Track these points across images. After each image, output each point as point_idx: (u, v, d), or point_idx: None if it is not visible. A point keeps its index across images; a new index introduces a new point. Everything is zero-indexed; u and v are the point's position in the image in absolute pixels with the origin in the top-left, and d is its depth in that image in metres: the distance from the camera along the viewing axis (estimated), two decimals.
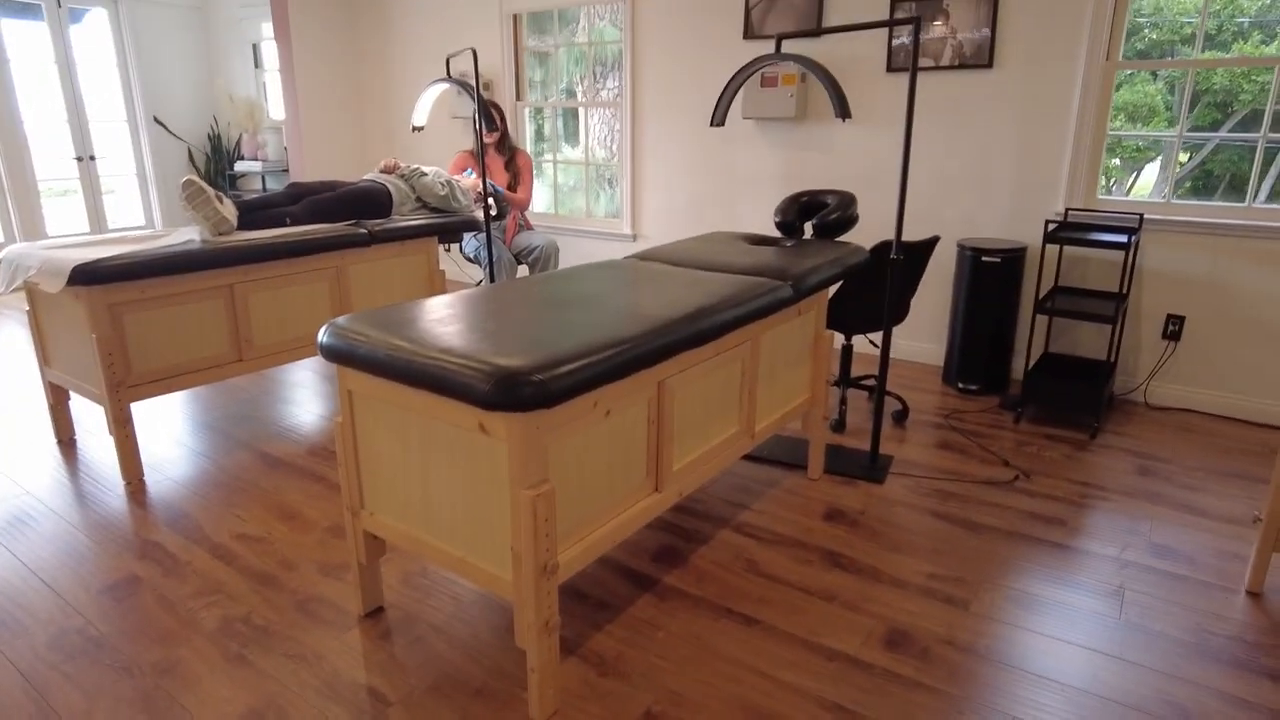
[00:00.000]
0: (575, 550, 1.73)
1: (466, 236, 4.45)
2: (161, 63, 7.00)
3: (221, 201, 3.11)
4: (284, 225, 3.32)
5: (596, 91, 5.47)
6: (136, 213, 7.21)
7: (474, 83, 3.82)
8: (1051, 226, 3.58)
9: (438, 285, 3.85)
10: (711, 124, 3.09)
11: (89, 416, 3.46)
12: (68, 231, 6.68)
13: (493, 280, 4.23)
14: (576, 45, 5.44)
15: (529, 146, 5.76)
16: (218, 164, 7.25)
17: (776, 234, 4.08)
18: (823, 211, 3.14)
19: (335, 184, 3.70)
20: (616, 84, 5.35)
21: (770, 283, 2.31)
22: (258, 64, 7.10)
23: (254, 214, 3.28)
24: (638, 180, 5.04)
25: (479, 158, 4.64)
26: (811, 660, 1.91)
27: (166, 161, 7.14)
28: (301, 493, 2.76)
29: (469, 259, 4.59)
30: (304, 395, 3.75)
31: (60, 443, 3.22)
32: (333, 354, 1.81)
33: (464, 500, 1.69)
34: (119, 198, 7.12)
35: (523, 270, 4.91)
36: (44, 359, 3.11)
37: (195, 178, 3.03)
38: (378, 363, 1.69)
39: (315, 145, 6.28)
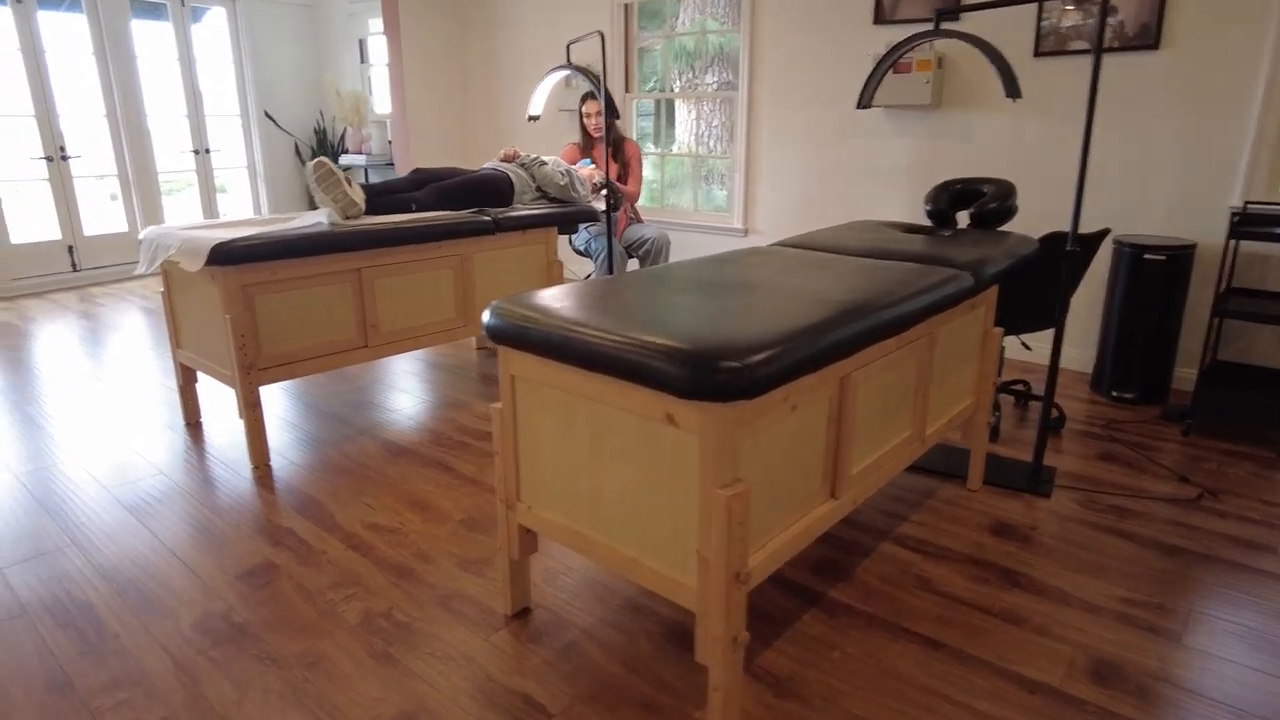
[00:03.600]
0: (759, 558, 1.56)
1: (578, 228, 4.35)
2: (273, 59, 7.16)
3: (350, 185, 3.06)
4: (409, 210, 3.26)
5: (695, 86, 5.32)
6: (246, 206, 7.38)
7: (588, 71, 3.70)
8: (1236, 219, 3.24)
9: (555, 276, 3.74)
10: (859, 105, 2.89)
11: (213, 399, 3.47)
12: (184, 224, 6.87)
13: (611, 272, 4.12)
14: (677, 38, 5.29)
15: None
16: (324, 157, 7.36)
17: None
18: (980, 200, 2.90)
19: (457, 171, 3.64)
20: (715, 78, 5.20)
21: (950, 271, 2.11)
22: (363, 59, 7.19)
23: (380, 199, 3.23)
24: (751, 173, 4.86)
25: (587, 150, 4.54)
26: (1010, 691, 1.70)
27: (275, 155, 7.30)
28: (429, 482, 2.67)
29: (579, 251, 4.49)
30: (418, 384, 3.70)
31: (188, 425, 3.22)
32: (500, 335, 1.69)
33: (641, 497, 1.55)
34: (230, 191, 7.32)
35: (632, 264, 4.78)
36: (175, 340, 3.12)
37: (326, 159, 2.99)
38: (553, 345, 1.56)
39: (420, 138, 6.30)
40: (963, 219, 3.80)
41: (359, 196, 3.08)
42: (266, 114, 7.18)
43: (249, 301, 2.70)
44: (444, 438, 3.05)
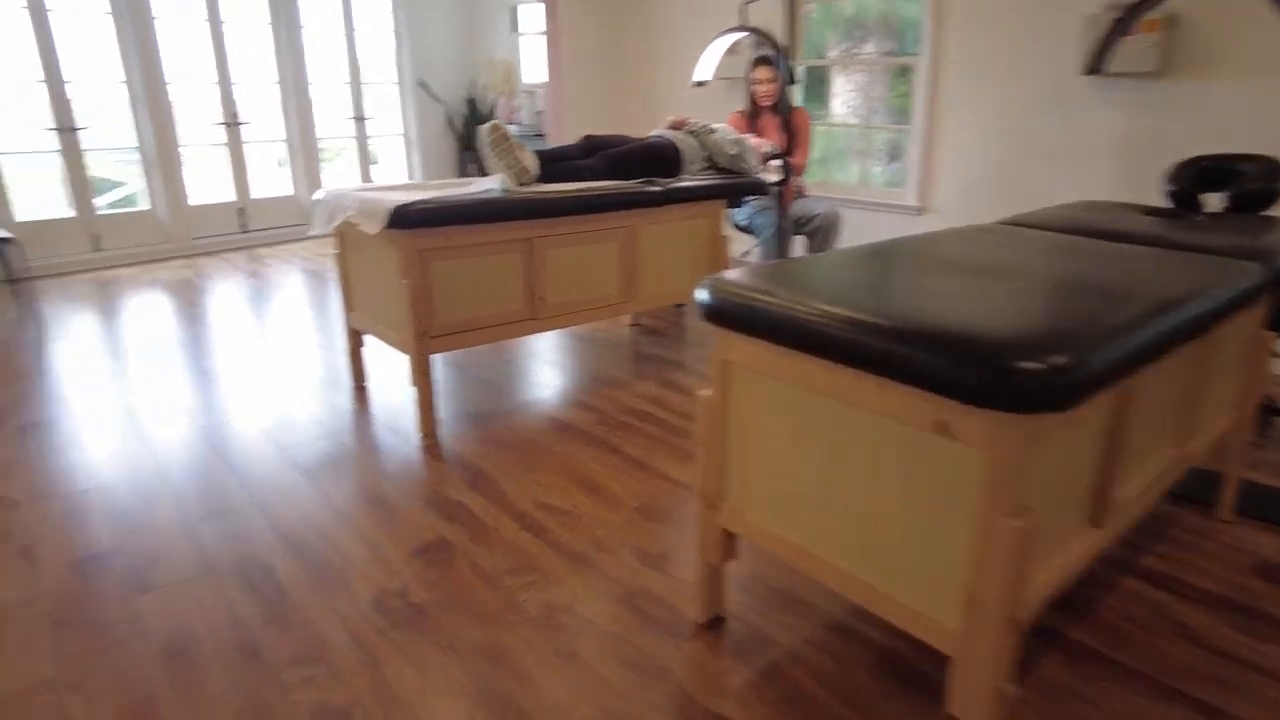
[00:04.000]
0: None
1: (741, 202, 4.11)
2: (429, 28, 7.23)
3: (523, 150, 2.95)
4: (581, 179, 3.12)
5: (853, 54, 4.94)
6: (399, 174, 7.55)
7: (767, 34, 3.43)
8: None
9: (721, 253, 3.53)
10: (1088, 71, 2.55)
11: (378, 364, 3.48)
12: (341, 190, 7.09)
13: (779, 249, 3.87)
14: (835, 3, 4.92)
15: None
16: (473, 126, 7.42)
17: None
18: (1240, 180, 2.48)
19: (627, 138, 3.47)
20: (876, 47, 4.82)
21: (1242, 264, 1.75)
22: (514, 27, 7.15)
23: (551, 166, 3.11)
24: (931, 146, 4.47)
25: (753, 119, 4.28)
26: None
27: (427, 124, 7.40)
28: (599, 464, 2.54)
29: (738, 226, 4.26)
30: (574, 359, 3.59)
31: (355, 388, 3.23)
32: (719, 314, 1.50)
33: (890, 518, 1.32)
34: (382, 159, 7.49)
35: (797, 243, 4.50)
36: (347, 303, 3.11)
37: (500, 123, 2.88)
38: (787, 329, 1.36)
39: (573, 107, 6.20)
40: (1208, 203, 3.32)
41: (532, 163, 2.96)
42: (420, 82, 7.27)
43: (425, 267, 2.63)
44: (607, 417, 2.91)
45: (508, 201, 2.77)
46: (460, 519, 2.22)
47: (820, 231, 4.07)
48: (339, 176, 7.33)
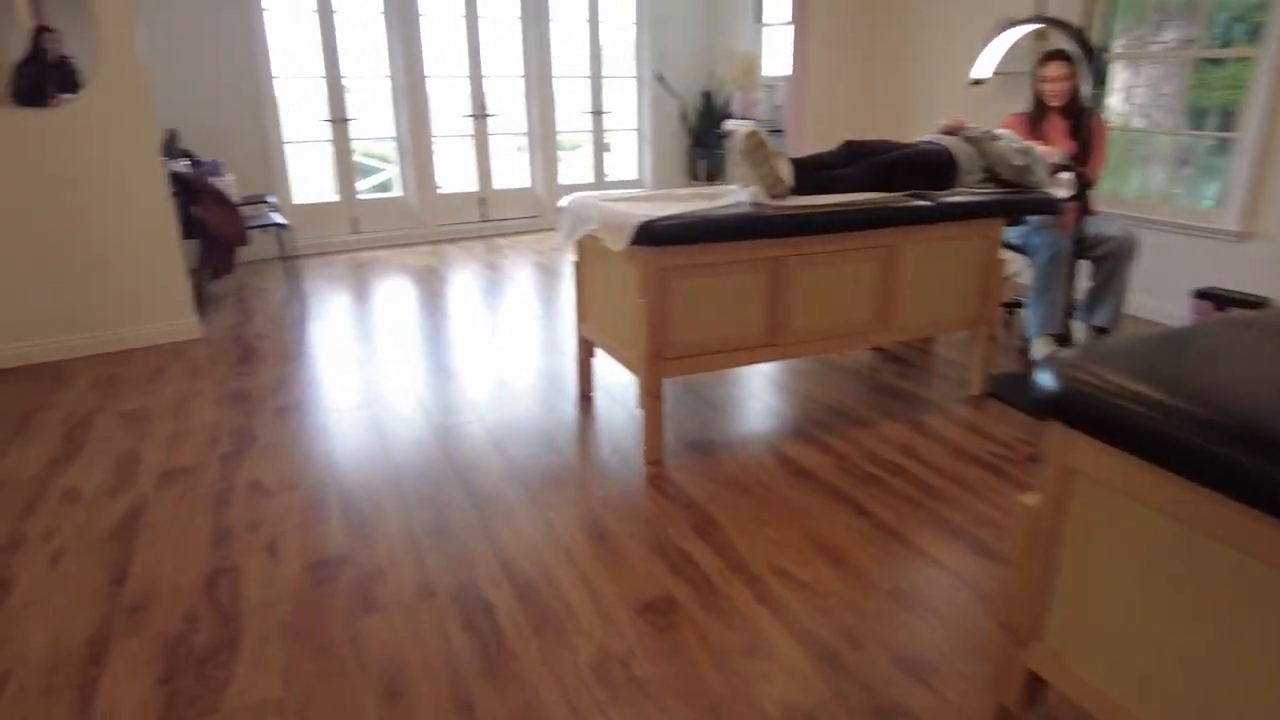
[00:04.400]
0: None
1: (1021, 219, 3.56)
2: (670, 19, 7.11)
3: (780, 159, 2.66)
4: (837, 189, 2.79)
5: (1145, 43, 4.13)
6: (630, 168, 7.55)
7: (1068, 25, 2.87)
8: None
9: (996, 280, 3.05)
10: None
11: (606, 376, 3.37)
12: (574, 182, 7.19)
13: (1060, 274, 3.31)
14: None
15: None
16: (708, 121, 7.24)
17: None
18: None
19: (892, 145, 3.08)
20: (1176, 34, 3.98)
21: None
22: (758, 18, 6.86)
23: (807, 175, 2.80)
24: (1270, 159, 3.64)
25: (1037, 121, 3.70)
26: None
27: (661, 119, 7.31)
28: (843, 526, 2.22)
29: (1008, 245, 3.70)
30: (810, 386, 3.27)
31: (581, 398, 3.14)
32: (1065, 408, 1.14)
33: None
34: (614, 152, 7.52)
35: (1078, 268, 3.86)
36: (581, 313, 3.01)
37: (759, 129, 2.61)
38: (1191, 451, 0.97)
39: (817, 102, 5.81)
40: None
41: (787, 173, 2.67)
42: (658, 76, 7.19)
43: (665, 286, 2.44)
44: (850, 464, 2.58)
45: (759, 217, 2.51)
46: (688, 574, 2.01)
47: (1112, 258, 3.44)
48: (574, 169, 7.45)
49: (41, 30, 3.33)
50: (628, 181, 7.45)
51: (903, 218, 2.74)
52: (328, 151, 6.08)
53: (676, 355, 2.52)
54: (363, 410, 3.03)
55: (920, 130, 3.23)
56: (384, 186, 7.11)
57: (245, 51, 5.41)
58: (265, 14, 5.48)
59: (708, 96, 7.26)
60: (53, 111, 3.43)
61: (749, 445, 2.73)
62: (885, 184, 2.86)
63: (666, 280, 2.44)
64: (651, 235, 2.33)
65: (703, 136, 7.27)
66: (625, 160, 7.63)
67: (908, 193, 2.86)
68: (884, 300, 2.84)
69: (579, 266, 2.94)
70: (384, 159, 7.66)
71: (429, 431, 2.84)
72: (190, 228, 4.16)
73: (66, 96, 3.53)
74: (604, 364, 3.41)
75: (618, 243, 2.37)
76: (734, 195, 2.72)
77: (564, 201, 2.83)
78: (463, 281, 5.05)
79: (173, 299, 3.86)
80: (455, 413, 3.00)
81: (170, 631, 1.81)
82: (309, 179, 6.43)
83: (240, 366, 3.54)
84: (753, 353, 2.65)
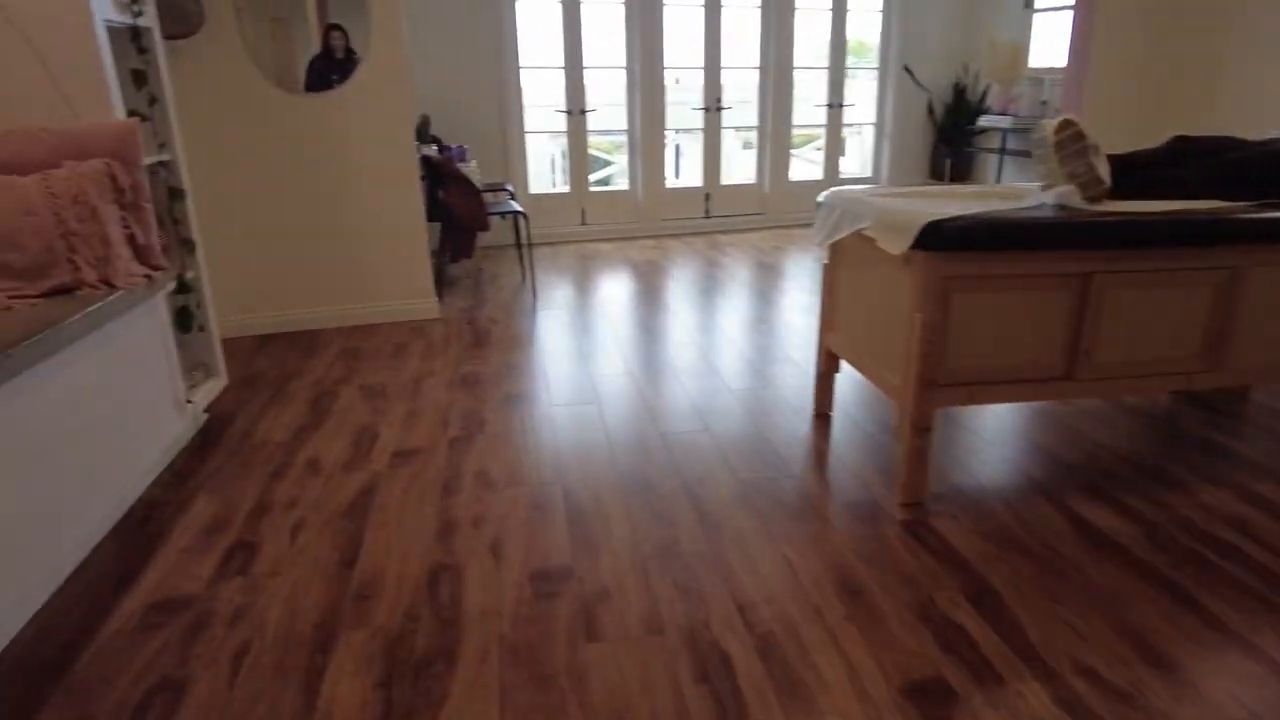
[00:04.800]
0: None
1: None
2: (921, 4, 6.53)
3: (1099, 156, 2.20)
4: (1167, 194, 2.27)
5: None
6: (863, 166, 7.06)
7: None
8: None
9: None
10: None
11: (847, 392, 3.03)
12: (803, 179, 6.83)
13: None
14: None
15: None
16: (958, 117, 6.59)
17: None
18: None
19: (1234, 141, 2.49)
20: None
21: None
22: (1028, 3, 6.12)
23: (1128, 175, 2.30)
24: None
25: None
26: None
27: (904, 113, 6.76)
28: (1166, 620, 1.75)
29: None
30: (1093, 425, 2.73)
31: (817, 415, 2.83)
32: None
33: None
34: (849, 150, 7.05)
35: None
36: (828, 321, 2.69)
37: (1074, 119, 2.16)
38: None
39: (1100, 98, 5.05)
40: None
41: (1105, 172, 2.20)
42: (905, 68, 6.64)
43: (946, 299, 2.07)
44: (1163, 536, 2.08)
45: (1071, 223, 2.07)
46: (963, 654, 1.65)
47: None
48: (805, 166, 7.09)
49: (330, 28, 3.52)
50: (862, 179, 6.97)
51: (1253, 232, 2.17)
52: (563, 143, 6.16)
53: (953, 383, 2.14)
54: (588, 406, 2.91)
55: (1242, 133, 2.59)
56: (609, 180, 7.14)
57: (495, 40, 5.57)
58: (518, 3, 5.61)
59: (959, 90, 6.60)
60: (325, 97, 3.63)
61: (1028, 496, 2.29)
62: (1228, 189, 2.30)
63: (949, 293, 2.07)
64: (939, 238, 1.98)
65: (950, 133, 6.64)
66: (859, 157, 7.15)
67: (1259, 202, 2.28)
68: (1217, 334, 2.28)
69: (831, 269, 2.63)
70: (609, 152, 7.72)
71: (655, 436, 2.66)
72: (435, 210, 4.30)
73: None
74: (845, 378, 3.07)
75: (897, 244, 2.03)
76: (1035, 196, 2.28)
77: (824, 196, 2.52)
78: (686, 278, 4.88)
79: (416, 279, 3.98)
80: (681, 419, 2.79)
81: (392, 629, 1.74)
82: (543, 170, 6.57)
83: (473, 350, 3.57)
84: (1045, 386, 2.21)
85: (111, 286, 2.12)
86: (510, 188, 5.34)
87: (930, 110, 6.77)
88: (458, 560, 1.98)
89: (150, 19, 2.52)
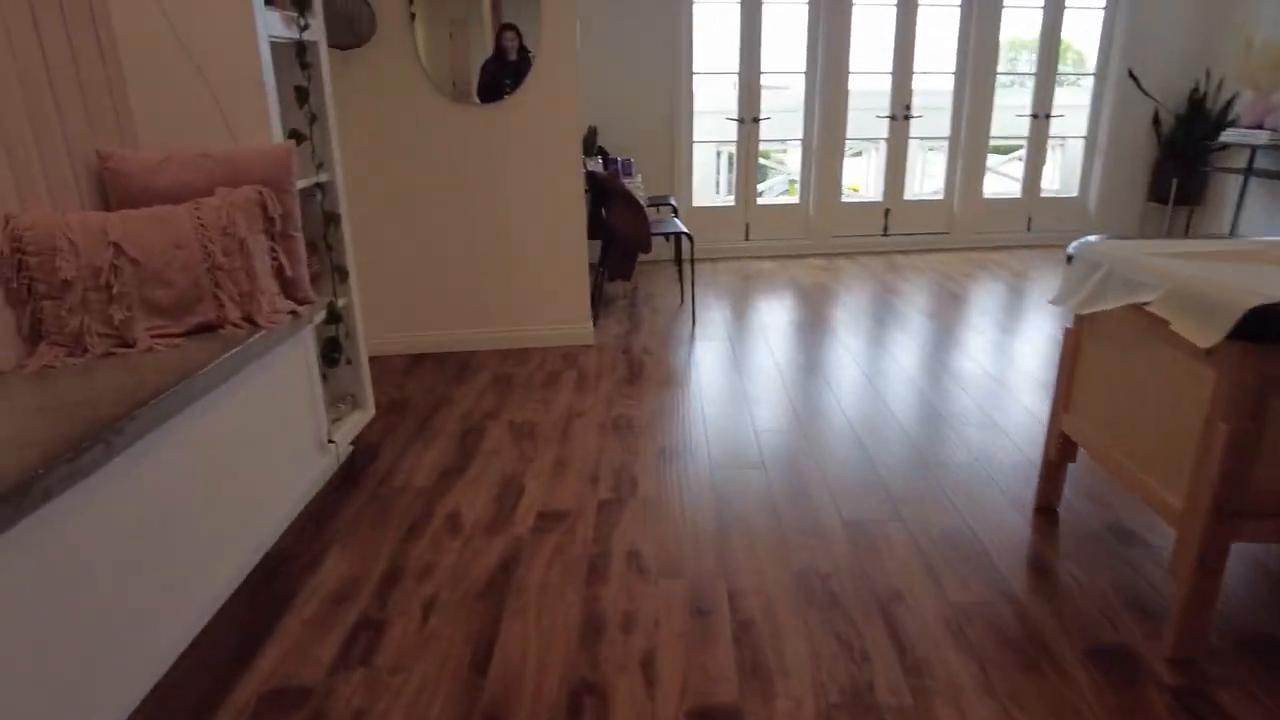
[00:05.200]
0: None
1: None
2: (1153, 6, 5.64)
3: None
4: None
5: None
6: (1068, 182, 6.23)
7: None
8: None
9: None
10: None
11: (1081, 481, 2.48)
12: (998, 195, 6.11)
13: None
14: None
15: None
16: (1191, 132, 5.65)
17: None
18: None
19: None
20: None
21: None
22: None
23: None
24: None
25: None
26: None
27: (1122, 125, 5.89)
28: None
29: None
30: None
31: (1039, 510, 2.31)
32: None
33: None
34: (1049, 165, 6.25)
35: None
36: (1064, 400, 2.17)
37: None
38: None
39: None
40: None
41: None
42: (1130, 73, 5.77)
43: (1263, 406, 1.53)
44: None
45: None
46: None
47: None
48: (999, 182, 6.37)
49: (503, 28, 3.32)
50: (1065, 200, 6.15)
51: None
52: (731, 152, 5.79)
53: (1261, 513, 1.60)
54: (754, 472, 2.53)
55: None
56: (775, 191, 6.70)
57: (669, 45, 5.27)
58: (695, 5, 5.29)
59: (1196, 99, 5.66)
60: (495, 107, 3.44)
61: None
62: None
63: (1268, 397, 1.53)
64: (1271, 327, 1.45)
65: (1180, 148, 5.71)
66: (1060, 173, 6.33)
67: None
68: None
69: (1076, 336, 2.11)
70: (779, 162, 7.27)
71: (836, 522, 2.24)
72: (596, 228, 4.05)
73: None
74: (1079, 466, 2.52)
75: (1205, 331, 1.52)
76: None
77: (1078, 247, 2.01)
78: (860, 306, 4.39)
79: (572, 303, 3.75)
80: (866, 499, 2.36)
81: None
82: (703, 180, 6.22)
83: (626, 386, 3.27)
84: None
85: (254, 325, 1.96)
86: (674, 201, 5.03)
87: (1156, 122, 5.87)
88: (604, 678, 1.67)
89: (316, 32, 2.37)
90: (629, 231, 3.88)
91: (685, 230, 4.11)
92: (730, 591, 1.94)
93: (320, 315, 2.39)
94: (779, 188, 7.19)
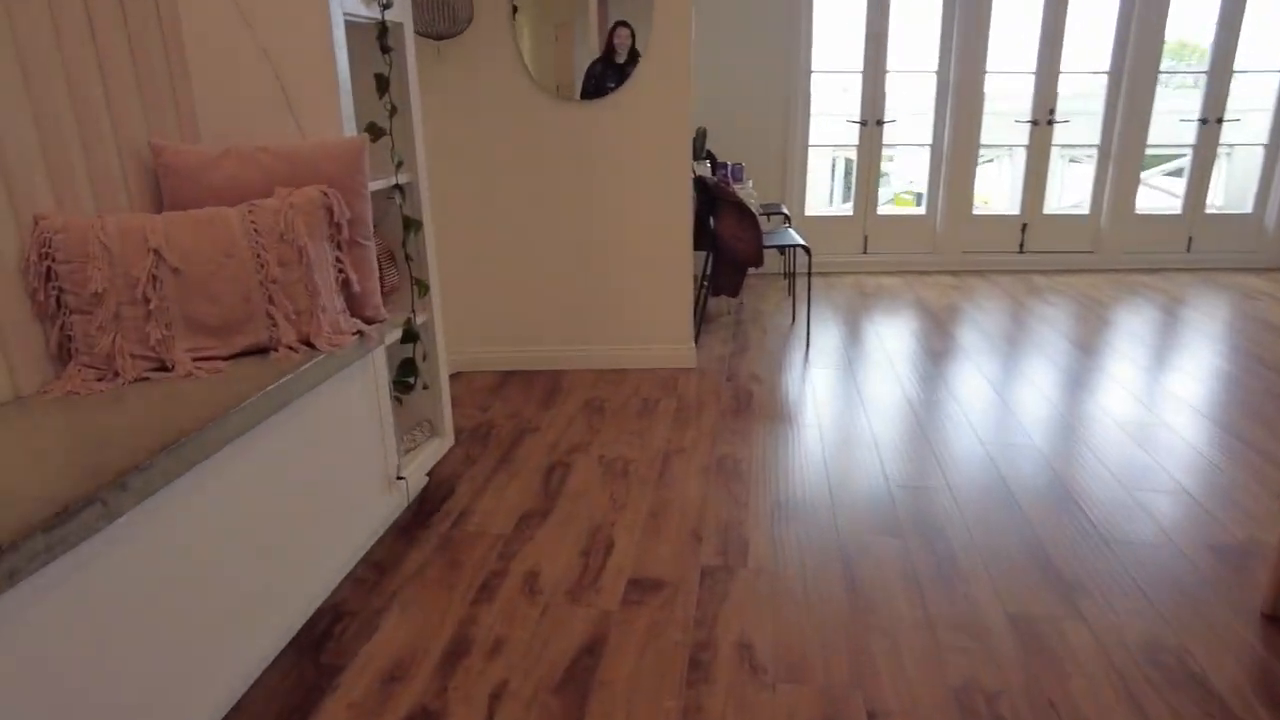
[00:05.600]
0: None
1: None
2: None
3: None
4: None
5: None
6: (1234, 197, 5.46)
7: None
8: None
9: None
10: None
11: None
12: (1152, 211, 5.40)
13: None
14: None
15: None
16: None
17: None
18: None
19: None
20: None
21: None
22: None
23: None
24: None
25: None
26: None
27: None
28: None
29: None
30: None
31: (1267, 618, 1.79)
32: None
33: None
34: (1220, 177, 5.49)
35: None
36: None
37: None
38: None
39: None
40: None
41: None
42: None
43: None
44: None
45: None
46: None
47: None
48: (1154, 197, 5.65)
49: (618, 26, 3.00)
50: (1235, 217, 5.39)
51: None
52: (848, 157, 5.31)
53: None
54: (891, 541, 2.10)
55: None
56: (898, 201, 6.18)
57: (787, 41, 4.86)
58: None
59: None
60: (596, 104, 3.12)
61: None
62: None
63: None
64: None
65: None
66: (1227, 186, 5.56)
67: None
68: None
69: None
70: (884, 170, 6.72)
71: (999, 618, 1.79)
72: (701, 238, 3.68)
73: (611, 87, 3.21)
74: None
75: None
76: None
77: None
78: (999, 332, 3.86)
79: (674, 321, 3.39)
80: (1037, 590, 1.90)
81: None
82: (821, 188, 5.77)
83: (732, 420, 2.89)
84: None
85: (312, 348, 1.68)
86: (785, 209, 4.61)
87: None
88: None
89: (401, 12, 2.08)
90: (740, 246, 3.49)
91: (802, 243, 3.69)
92: (870, 712, 1.53)
93: (394, 335, 2.10)
94: (884, 196, 6.63)
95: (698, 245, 3.62)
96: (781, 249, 3.91)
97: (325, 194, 1.72)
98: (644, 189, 3.21)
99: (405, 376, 2.20)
